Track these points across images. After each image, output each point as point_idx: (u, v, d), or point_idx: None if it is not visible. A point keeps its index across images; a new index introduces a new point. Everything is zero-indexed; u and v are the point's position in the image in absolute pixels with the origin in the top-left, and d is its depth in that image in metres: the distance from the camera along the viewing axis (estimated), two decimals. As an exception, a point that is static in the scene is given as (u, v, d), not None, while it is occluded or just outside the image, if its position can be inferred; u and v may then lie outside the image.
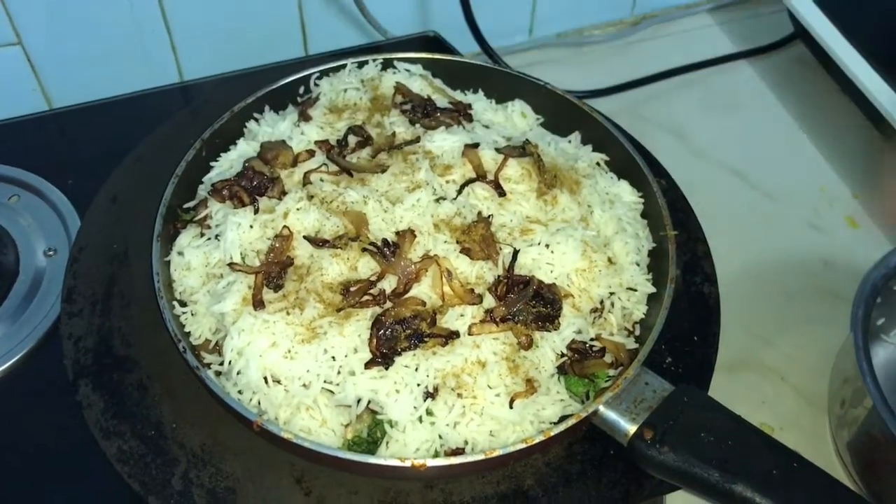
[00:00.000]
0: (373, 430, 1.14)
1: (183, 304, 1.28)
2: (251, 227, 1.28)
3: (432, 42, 1.98)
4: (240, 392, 1.17)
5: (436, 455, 1.13)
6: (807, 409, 1.55)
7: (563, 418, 1.18)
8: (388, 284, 1.22)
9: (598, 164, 1.49)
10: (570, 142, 1.52)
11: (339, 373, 1.15)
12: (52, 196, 1.68)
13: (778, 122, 2.08)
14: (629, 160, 1.44)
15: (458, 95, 1.56)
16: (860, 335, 1.35)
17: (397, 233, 1.26)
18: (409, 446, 1.13)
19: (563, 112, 1.54)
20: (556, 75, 2.10)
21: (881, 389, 1.30)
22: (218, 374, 1.20)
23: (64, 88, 1.91)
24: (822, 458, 1.46)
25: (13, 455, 1.37)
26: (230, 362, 1.17)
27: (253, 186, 1.32)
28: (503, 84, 1.59)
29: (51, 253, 1.60)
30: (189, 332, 1.25)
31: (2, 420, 1.41)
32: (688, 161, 1.96)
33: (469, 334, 1.18)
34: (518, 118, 1.54)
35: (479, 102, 1.55)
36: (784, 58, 2.22)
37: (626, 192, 1.43)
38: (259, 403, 1.16)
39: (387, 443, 1.13)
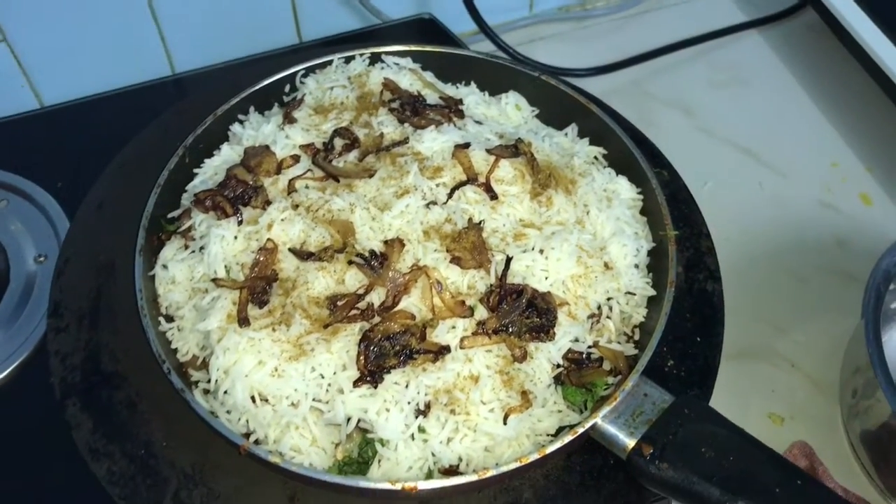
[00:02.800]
0: (364, 450, 1.11)
1: (169, 318, 1.25)
2: (235, 238, 1.24)
3: (427, 25, 1.92)
4: (228, 412, 1.14)
5: (429, 473, 1.10)
6: (818, 397, 1.50)
7: (561, 429, 1.15)
8: (377, 297, 1.17)
9: (595, 158, 1.43)
10: (566, 135, 1.46)
11: (327, 391, 1.12)
12: (41, 199, 1.65)
13: (788, 94, 2.00)
14: (628, 153, 1.38)
15: (450, 89, 1.50)
16: (871, 325, 1.31)
17: (385, 242, 1.22)
18: (402, 465, 1.10)
19: (558, 102, 1.48)
20: (557, 51, 2.06)
21: (893, 380, 1.26)
22: (206, 391, 1.17)
23: (53, 85, 1.87)
24: (834, 449, 1.43)
25: (4, 478, 1.35)
26: (216, 381, 1.14)
27: (236, 196, 1.28)
28: (497, 74, 1.52)
29: (41, 259, 1.57)
30: (176, 349, 1.22)
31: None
32: (695, 138, 1.90)
33: (461, 348, 1.14)
34: (512, 111, 1.48)
35: (471, 96, 1.49)
36: (795, 26, 2.14)
37: (624, 189, 1.36)
38: (247, 423, 1.13)
39: (378, 462, 1.10)
